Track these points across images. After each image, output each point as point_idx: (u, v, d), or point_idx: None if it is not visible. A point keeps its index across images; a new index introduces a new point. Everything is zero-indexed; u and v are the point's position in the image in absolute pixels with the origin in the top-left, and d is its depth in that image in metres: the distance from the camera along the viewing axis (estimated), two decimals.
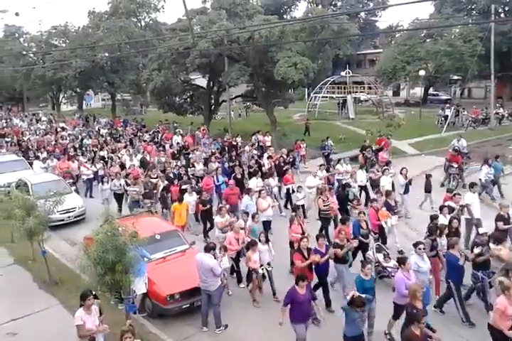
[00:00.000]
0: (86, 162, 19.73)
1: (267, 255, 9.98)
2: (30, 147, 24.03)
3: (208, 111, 30.53)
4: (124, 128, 31.00)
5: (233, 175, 16.46)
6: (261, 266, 9.79)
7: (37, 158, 21.54)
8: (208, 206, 13.60)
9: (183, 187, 14.93)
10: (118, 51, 35.63)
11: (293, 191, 14.94)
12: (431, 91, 45.71)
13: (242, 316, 9.33)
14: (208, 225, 13.51)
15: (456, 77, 43.20)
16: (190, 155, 20.95)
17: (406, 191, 14.60)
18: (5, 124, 35.36)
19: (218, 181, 15.92)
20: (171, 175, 16.46)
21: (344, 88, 38.93)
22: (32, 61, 40.83)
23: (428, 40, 39.72)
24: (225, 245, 10.02)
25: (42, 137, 27.49)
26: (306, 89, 42.70)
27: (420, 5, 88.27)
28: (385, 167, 15.90)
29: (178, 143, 23.34)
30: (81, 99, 43.51)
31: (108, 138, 26.52)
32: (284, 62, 22.83)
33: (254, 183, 15.12)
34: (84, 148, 23.51)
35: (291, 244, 10.89)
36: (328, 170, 16.66)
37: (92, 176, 19.05)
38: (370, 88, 39.50)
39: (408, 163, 18.48)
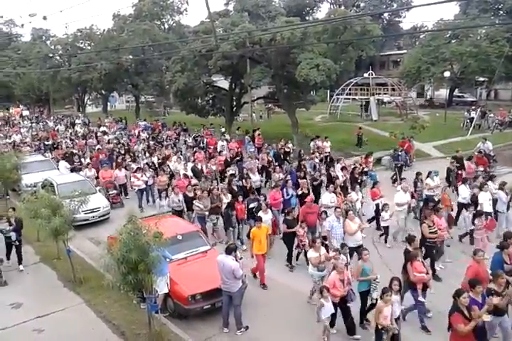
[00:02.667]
0: (136, 170, 17.58)
1: (396, 306, 7.78)
2: (75, 152, 22.69)
3: (229, 112, 30.65)
4: (164, 131, 29.67)
5: (299, 189, 14.47)
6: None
7: (81, 164, 20.19)
8: (296, 227, 11.42)
9: (251, 206, 13.11)
10: (142, 53, 36.10)
11: (382, 208, 12.77)
12: (456, 92, 44.98)
13: (264, 318, 9.32)
14: (295, 250, 11.70)
15: (482, 79, 42.40)
16: (244, 164, 19.03)
17: (508, 208, 12.96)
18: (42, 128, 34.80)
19: (288, 194, 13.99)
20: (235, 188, 14.74)
21: (367, 89, 38.59)
22: (58, 63, 41.67)
23: (453, 41, 39.09)
24: (326, 287, 8.17)
25: (82, 141, 26.21)
26: (329, 91, 42.49)
27: (445, 5, 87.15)
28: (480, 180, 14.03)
29: (230, 150, 21.17)
30: (106, 101, 44.23)
31: (151, 142, 24.86)
32: (306, 63, 22.79)
33: (328, 199, 13.19)
34: (133, 154, 21.51)
35: (412, 286, 8.79)
36: (416, 185, 14.41)
37: (143, 187, 17.02)
38: (393, 89, 39.10)
39: (432, 165, 18.18)
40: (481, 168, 16.80)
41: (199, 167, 18.12)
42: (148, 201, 17.22)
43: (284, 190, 14.04)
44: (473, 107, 32.52)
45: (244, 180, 15.59)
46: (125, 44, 34.65)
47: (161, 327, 8.89)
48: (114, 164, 19.78)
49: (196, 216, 13.65)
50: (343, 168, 16.41)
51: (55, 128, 33.55)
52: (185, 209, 14.02)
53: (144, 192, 17.15)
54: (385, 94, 39.01)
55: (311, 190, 15.26)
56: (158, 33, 39.75)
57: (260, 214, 11.87)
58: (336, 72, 23.75)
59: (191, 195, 14.10)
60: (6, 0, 63.63)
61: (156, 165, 19.23)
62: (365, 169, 16.96)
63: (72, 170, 19.69)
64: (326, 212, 11.81)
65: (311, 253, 9.44)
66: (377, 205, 13.54)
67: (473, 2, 42.61)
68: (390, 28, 56.31)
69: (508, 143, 25.07)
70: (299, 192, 14.33)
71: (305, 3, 59.72)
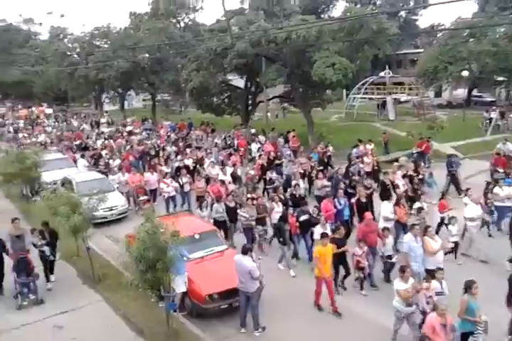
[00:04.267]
0: (166, 174, 16.64)
1: None
2: (104, 153, 21.58)
3: (245, 111, 30.63)
4: (189, 132, 28.62)
5: (355, 198, 12.96)
6: None
7: (107, 166, 18.99)
8: (346, 247, 10.19)
9: (302, 218, 11.72)
10: (158, 52, 36.26)
11: (449, 222, 11.22)
12: (475, 92, 44.41)
13: (281, 319, 9.32)
14: (343, 273, 10.42)
15: (501, 78, 41.77)
16: (285, 169, 17.52)
17: None
18: (66, 127, 34.12)
19: (340, 204, 12.68)
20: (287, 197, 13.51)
21: (384, 89, 38.31)
22: (76, 61, 42.02)
23: (471, 40, 38.56)
24: (427, 337, 6.94)
25: (110, 142, 24.84)
26: (345, 90, 42.29)
27: (463, 3, 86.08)
28: None
29: (269, 153, 19.41)
30: (123, 100, 44.54)
31: (180, 144, 23.58)
32: (321, 62, 22.65)
33: (388, 210, 11.81)
34: (166, 156, 20.29)
35: None
36: (485, 195, 13.11)
37: (173, 194, 15.77)
38: (410, 89, 38.74)
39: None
40: (501, 170, 16.54)
41: (238, 172, 16.98)
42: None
43: (336, 199, 12.77)
44: (493, 107, 32.06)
45: (293, 188, 14.07)
46: (141, 42, 34.84)
47: (179, 325, 8.97)
48: (145, 167, 19.17)
49: (242, 227, 12.51)
50: (404, 176, 14.64)
51: (81, 128, 33.07)
52: (228, 220, 12.77)
53: (176, 200, 15.90)
54: (402, 93, 38.64)
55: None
56: (174, 31, 39.92)
57: (317, 229, 10.81)
58: (352, 71, 23.57)
59: (232, 204, 12.92)
60: None
61: (191, 169, 18.08)
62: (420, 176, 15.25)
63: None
64: (388, 229, 10.70)
65: (399, 285, 8.12)
66: (442, 218, 12.11)
67: (491, 0, 42.05)
68: (406, 27, 55.78)
69: None
70: (363, 201, 12.80)
71: (321, 1, 59.55)
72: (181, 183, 15.94)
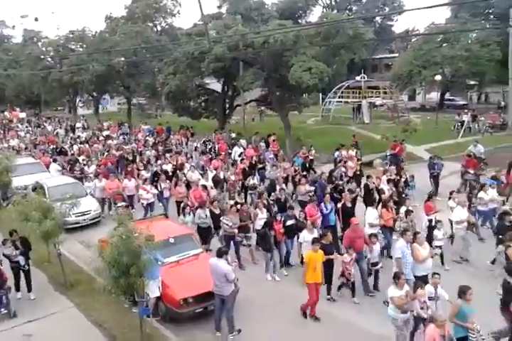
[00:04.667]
0: (145, 180, 16.01)
1: None
2: (82, 159, 20.81)
3: (222, 115, 30.62)
4: (168, 136, 27.98)
5: (341, 203, 12.76)
6: None
7: (82, 172, 18.48)
8: (336, 253, 10.25)
9: (289, 223, 11.65)
10: (134, 55, 35.92)
11: (435, 226, 11.29)
12: (447, 96, 45.33)
13: (256, 321, 9.28)
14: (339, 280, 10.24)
15: (473, 82, 42.77)
16: (267, 174, 17.31)
17: None
18: (40, 132, 32.88)
19: (327, 209, 12.53)
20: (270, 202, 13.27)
21: (359, 93, 38.77)
22: (50, 65, 41.34)
23: (444, 45, 39.40)
24: None
25: (86, 146, 24.09)
26: (321, 94, 42.66)
27: (436, 9, 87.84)
28: None
29: (251, 157, 19.34)
30: (97, 103, 43.96)
31: (160, 148, 22.99)
32: (298, 66, 22.82)
33: (373, 216, 11.76)
34: (146, 161, 19.61)
35: None
36: (469, 200, 13.14)
37: (152, 200, 15.40)
38: (385, 93, 39.30)
39: (424, 168, 18.27)
40: (472, 171, 16.87)
41: (221, 176, 16.59)
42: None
43: (322, 204, 12.59)
44: (465, 111, 32.74)
45: (278, 192, 14.04)
46: (117, 46, 34.46)
47: (153, 330, 8.86)
48: (122, 173, 18.59)
49: (223, 234, 12.09)
50: (389, 180, 14.47)
51: (55, 132, 31.98)
52: (212, 227, 12.52)
53: (154, 206, 15.45)
54: (376, 97, 39.20)
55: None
56: (150, 35, 39.59)
57: (304, 234, 10.75)
58: (329, 75, 23.79)
59: (218, 211, 12.64)
60: None
61: (170, 174, 17.55)
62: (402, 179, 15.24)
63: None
64: (376, 235, 10.49)
65: (394, 292, 7.95)
66: (430, 221, 11.95)
67: (464, 6, 43.01)
68: (382, 32, 56.65)
69: (499, 146, 25.26)
70: (348, 206, 12.65)
71: (298, 7, 59.90)
72: (160, 189, 15.60)
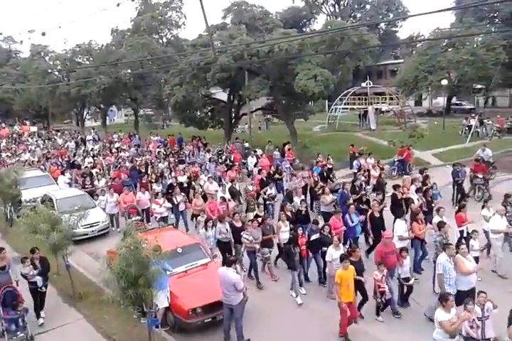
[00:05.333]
0: (157, 194, 15.49)
1: None
2: (95, 172, 20.24)
3: (228, 124, 30.74)
4: (180, 147, 27.42)
5: (369, 214, 12.11)
6: None
7: (93, 185, 18.00)
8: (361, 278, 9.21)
9: (313, 238, 10.89)
10: (140, 67, 36.30)
11: (470, 236, 10.56)
12: (454, 100, 45.18)
13: (265, 330, 9.20)
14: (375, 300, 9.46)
15: (479, 86, 42.65)
16: (286, 184, 16.78)
17: None
18: (52, 145, 32.44)
19: (352, 222, 11.84)
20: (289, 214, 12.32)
21: (365, 99, 38.76)
22: (57, 78, 41.80)
23: (450, 50, 39.37)
24: None
25: (100, 159, 23.53)
26: (327, 101, 42.74)
27: (441, 14, 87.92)
28: None
29: (270, 167, 18.88)
30: (105, 115, 44.35)
31: (171, 159, 22.49)
32: (303, 74, 22.93)
33: (403, 229, 11.00)
34: (160, 173, 18.99)
35: None
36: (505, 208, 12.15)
37: (166, 214, 14.83)
38: (391, 99, 39.25)
39: (432, 173, 18.14)
40: (480, 175, 16.74)
41: (237, 187, 15.95)
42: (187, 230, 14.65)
43: (347, 215, 11.86)
44: (472, 115, 32.57)
45: (299, 204, 13.22)
46: (124, 58, 34.83)
47: None
48: (136, 185, 18.14)
49: (245, 250, 11.55)
50: (418, 190, 13.61)
51: (65, 146, 31.57)
52: (233, 241, 11.83)
53: (168, 220, 14.68)
54: (383, 103, 39.17)
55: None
56: (156, 46, 40.00)
57: (331, 251, 9.92)
58: (334, 83, 23.88)
59: (239, 224, 11.91)
60: (6, 17, 64.16)
61: (185, 186, 17.08)
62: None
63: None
64: (407, 250, 9.89)
65: (442, 315, 7.20)
66: (461, 232, 11.33)
67: (469, 11, 43.03)
68: (386, 38, 56.85)
69: (507, 150, 25.07)
70: (377, 215, 11.94)
71: (302, 15, 60.50)
72: (175, 202, 14.98)
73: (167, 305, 9.00)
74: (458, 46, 38.58)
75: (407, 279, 9.64)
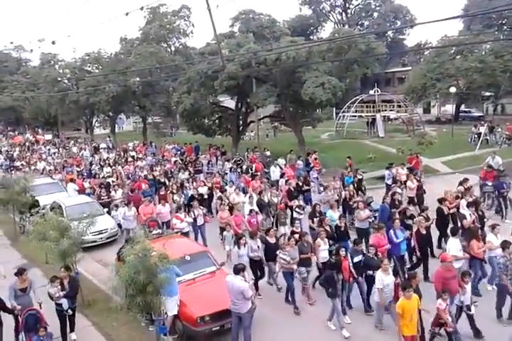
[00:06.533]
0: (179, 208, 14.39)
1: None
2: (112, 181, 19.73)
3: (236, 132, 30.80)
4: (197, 156, 26.74)
5: (415, 230, 11.17)
6: None
7: (109, 197, 17.41)
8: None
9: (356, 259, 9.85)
10: (149, 76, 36.53)
11: None
12: (463, 108, 44.98)
13: (273, 339, 9.13)
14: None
15: (488, 94, 42.43)
16: (321, 195, 15.77)
17: None
18: (67, 153, 32.39)
19: (397, 237, 10.84)
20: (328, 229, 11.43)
21: (373, 106, 38.70)
22: (66, 87, 42.19)
23: (458, 57, 39.27)
24: None
25: (119, 168, 22.77)
26: (334, 109, 42.75)
27: (449, 22, 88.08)
28: None
29: (298, 178, 18.10)
30: (113, 123, 44.63)
31: (191, 169, 21.80)
32: (311, 82, 22.98)
33: (458, 247, 10.06)
34: (176, 184, 18.03)
35: None
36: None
37: (187, 230, 13.72)
38: (399, 106, 39.16)
39: (441, 181, 18.04)
40: (490, 183, 16.59)
41: (265, 199, 14.98)
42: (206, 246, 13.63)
43: (392, 232, 10.88)
44: (481, 122, 32.38)
45: (338, 219, 12.06)
46: (132, 67, 35.11)
47: None
48: (156, 197, 17.38)
49: (281, 270, 10.62)
50: (469, 204, 12.40)
51: (80, 154, 31.40)
52: (264, 259, 11.00)
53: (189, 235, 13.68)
54: (391, 110, 39.08)
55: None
56: (164, 55, 40.30)
57: (380, 276, 8.88)
58: (342, 90, 23.89)
59: (273, 240, 11.06)
60: (17, 26, 65.04)
61: (205, 197, 16.56)
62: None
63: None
64: (470, 274, 8.88)
65: None
66: None
67: (476, 18, 42.98)
68: (394, 46, 56.74)
69: None
70: (423, 233, 11.00)
71: (309, 23, 60.62)
72: (194, 216, 14.04)
73: (176, 312, 8.97)
74: (466, 53, 38.48)
75: (469, 307, 8.69)
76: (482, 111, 45.85)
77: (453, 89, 35.05)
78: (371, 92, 40.16)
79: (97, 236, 14.91)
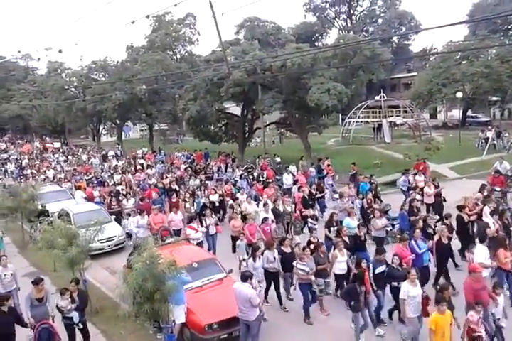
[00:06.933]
0: (191, 220, 13.74)
1: None
2: (122, 189, 19.63)
3: (242, 138, 30.87)
4: (206, 163, 26.41)
5: (436, 240, 10.68)
6: None
7: (119, 205, 17.17)
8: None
9: (379, 270, 9.40)
10: (155, 83, 36.77)
11: None
12: (469, 113, 44.81)
13: None
14: None
15: (495, 98, 42.27)
16: (336, 203, 15.21)
17: None
18: (76, 161, 32.61)
19: (420, 249, 10.31)
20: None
21: (379, 112, 38.65)
22: (73, 95, 42.57)
23: (463, 62, 39.20)
24: None
25: (128, 176, 22.56)
26: (340, 115, 42.75)
27: (454, 27, 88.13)
28: None
29: (311, 185, 17.75)
30: (120, 130, 44.90)
31: (202, 176, 21.62)
32: (316, 88, 23.02)
33: (485, 255, 9.67)
34: (188, 192, 17.73)
35: None
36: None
37: (201, 239, 13.30)
38: (405, 111, 39.09)
39: (449, 187, 17.93)
40: (498, 188, 16.47)
41: (280, 208, 14.54)
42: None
43: (413, 242, 10.38)
44: (489, 127, 32.23)
45: (357, 228, 11.56)
46: (138, 74, 35.37)
47: None
48: (166, 204, 17.27)
49: (297, 282, 10.18)
50: (493, 212, 11.99)
51: (89, 162, 31.46)
52: (281, 270, 10.56)
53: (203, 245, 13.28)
54: (397, 116, 38.98)
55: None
56: (170, 62, 40.60)
57: (406, 287, 8.38)
58: (347, 96, 23.92)
59: (288, 250, 10.69)
60: (24, 35, 65.74)
61: (216, 205, 16.34)
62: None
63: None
64: (501, 285, 8.58)
65: None
66: None
67: (482, 23, 42.94)
68: (399, 52, 56.80)
69: None
70: (445, 242, 10.53)
71: (314, 30, 60.85)
72: (205, 225, 13.70)
73: (183, 320, 8.94)
74: (472, 59, 38.39)
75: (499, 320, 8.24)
76: (489, 116, 45.66)
77: (459, 95, 34.94)
78: (377, 98, 40.11)
79: (104, 244, 14.90)
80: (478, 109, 45.32)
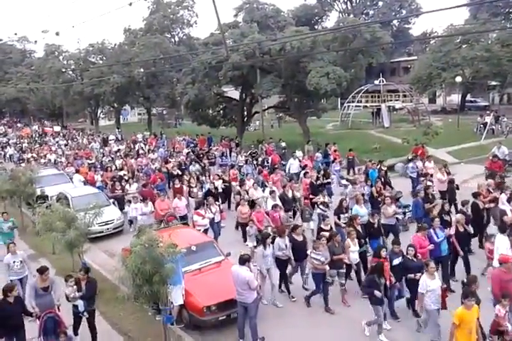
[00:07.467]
0: (200, 205, 13.34)
1: None
2: (124, 174, 19.24)
3: (240, 122, 30.79)
4: (209, 147, 25.95)
5: (454, 228, 10.32)
6: None
7: (123, 190, 16.96)
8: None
9: (395, 262, 9.01)
10: (153, 66, 36.51)
11: None
12: (468, 97, 44.65)
13: (279, 329, 9.21)
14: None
15: (494, 83, 42.07)
16: (348, 190, 14.58)
17: None
18: (77, 145, 32.24)
19: (438, 237, 9.94)
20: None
21: (378, 97, 38.49)
22: (71, 78, 42.25)
23: (464, 46, 38.88)
24: None
25: (130, 160, 22.16)
26: (339, 99, 42.55)
27: (455, 11, 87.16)
28: None
29: (319, 171, 17.11)
30: (118, 114, 44.70)
31: (206, 161, 21.52)
32: (316, 72, 22.88)
33: (506, 246, 9.22)
34: (193, 177, 17.08)
35: None
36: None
37: (208, 227, 13.01)
38: (404, 96, 38.93)
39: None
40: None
41: (289, 194, 14.14)
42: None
43: (431, 230, 9.97)
44: (487, 112, 32.16)
45: (370, 216, 11.29)
46: (136, 57, 35.07)
47: (177, 338, 8.87)
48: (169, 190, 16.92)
49: (311, 271, 9.95)
50: (510, 199, 11.74)
51: (90, 146, 31.11)
52: (292, 259, 10.38)
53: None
54: (396, 100, 38.82)
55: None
56: (168, 45, 40.20)
57: (425, 280, 8.00)
58: (347, 80, 23.78)
59: (301, 238, 10.45)
60: (20, 17, 64.93)
61: (220, 190, 15.97)
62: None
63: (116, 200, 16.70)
64: None
65: None
66: None
67: (483, 6, 42.46)
68: (399, 35, 56.26)
69: None
70: (461, 230, 10.16)
71: (314, 13, 60.02)
72: (213, 212, 13.38)
73: (182, 302, 9.04)
74: (472, 43, 38.05)
75: None
76: (488, 101, 45.50)
77: (459, 79, 34.74)
78: (376, 82, 39.86)
79: (103, 227, 14.97)
80: (477, 93, 45.17)
